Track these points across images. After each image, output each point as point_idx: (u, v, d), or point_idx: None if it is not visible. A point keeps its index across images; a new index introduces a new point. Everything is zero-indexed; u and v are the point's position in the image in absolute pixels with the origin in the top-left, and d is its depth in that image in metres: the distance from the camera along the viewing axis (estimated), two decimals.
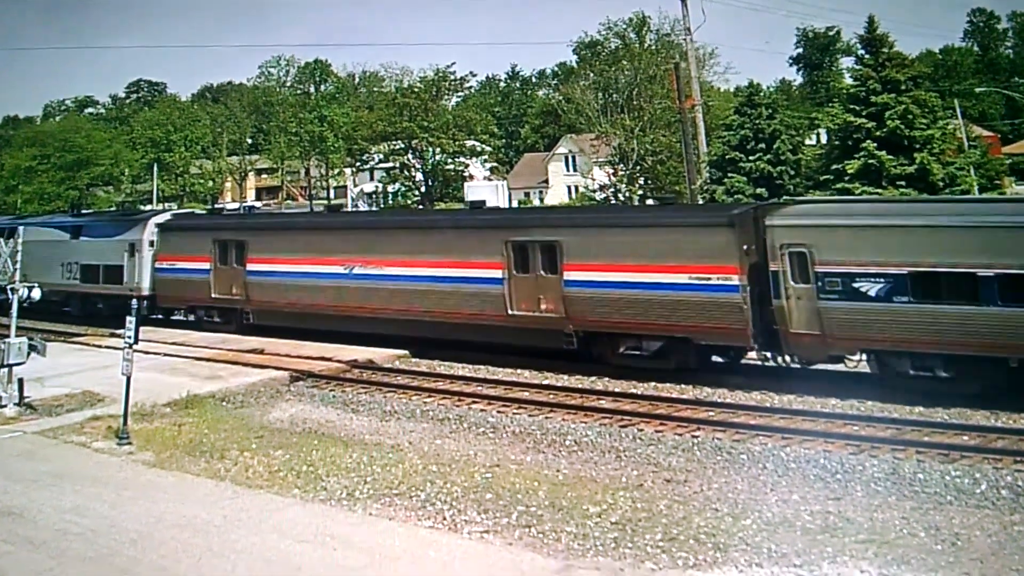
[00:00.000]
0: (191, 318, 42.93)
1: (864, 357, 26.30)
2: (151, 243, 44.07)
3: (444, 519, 17.11)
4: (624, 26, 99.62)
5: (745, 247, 27.42)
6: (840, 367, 27.25)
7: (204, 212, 57.19)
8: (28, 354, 26.84)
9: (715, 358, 30.12)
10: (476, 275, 32.64)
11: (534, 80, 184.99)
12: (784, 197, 53.11)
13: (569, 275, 30.47)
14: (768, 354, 27.78)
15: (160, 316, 44.53)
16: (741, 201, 56.68)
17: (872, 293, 25.08)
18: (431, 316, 33.61)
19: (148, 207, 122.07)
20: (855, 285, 25.33)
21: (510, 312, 31.82)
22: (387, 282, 34.88)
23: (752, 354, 28.52)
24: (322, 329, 36.29)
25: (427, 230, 36.87)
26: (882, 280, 24.91)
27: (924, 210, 28.90)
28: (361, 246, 36.43)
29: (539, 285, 31.36)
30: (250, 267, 39.51)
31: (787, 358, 27.53)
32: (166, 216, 47.62)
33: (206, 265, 40.90)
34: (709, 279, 27.68)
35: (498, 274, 32.11)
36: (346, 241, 37.48)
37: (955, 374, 24.48)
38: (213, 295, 40.51)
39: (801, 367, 27.79)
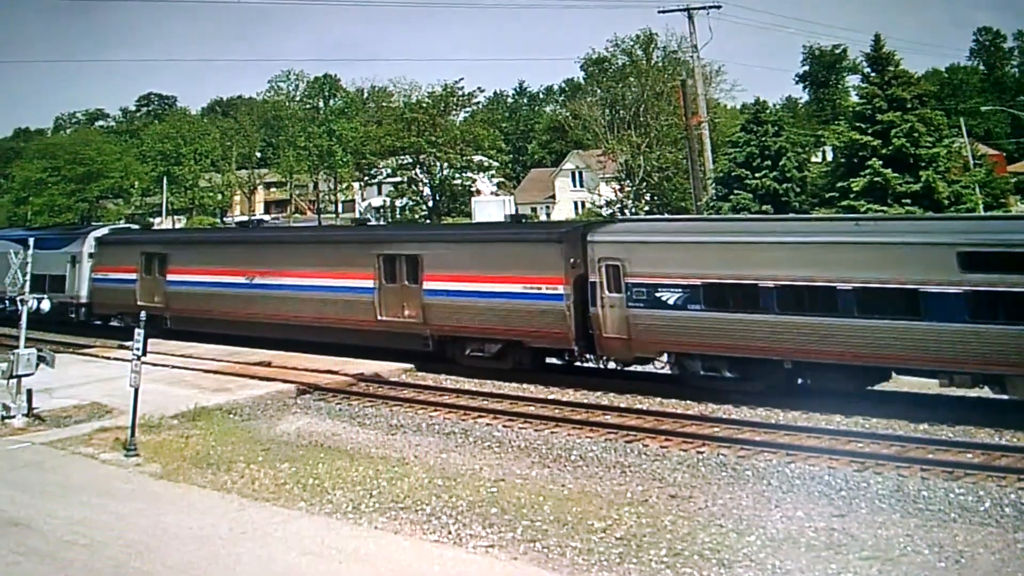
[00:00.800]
0: (121, 324, 45.01)
1: (666, 358, 29.90)
2: (90, 255, 47.88)
3: (449, 533, 17.14)
4: (631, 43, 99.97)
5: (572, 261, 30.74)
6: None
7: (136, 228, 60.19)
8: (37, 365, 26.89)
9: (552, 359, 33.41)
10: (353, 285, 36.27)
11: (541, 96, 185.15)
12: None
13: (428, 284, 34.16)
14: (589, 356, 31.34)
15: (99, 323, 47.58)
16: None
17: (671, 302, 28.54)
18: (318, 322, 37.28)
19: (158, 220, 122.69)
20: (657, 295, 28.77)
21: (379, 318, 35.42)
22: (282, 291, 38.55)
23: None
24: (231, 334, 38.78)
25: (313, 244, 41.49)
26: (679, 290, 28.38)
27: (716, 228, 33.45)
28: (261, 259, 40.27)
29: (403, 294, 35.02)
30: (170, 277, 43.35)
31: (602, 360, 31.28)
32: (104, 231, 51.03)
33: (133, 275, 44.69)
34: (540, 288, 31.31)
35: (370, 284, 35.77)
36: (249, 254, 41.17)
37: (739, 374, 27.97)
38: (139, 303, 42.29)
39: (610, 367, 31.69)
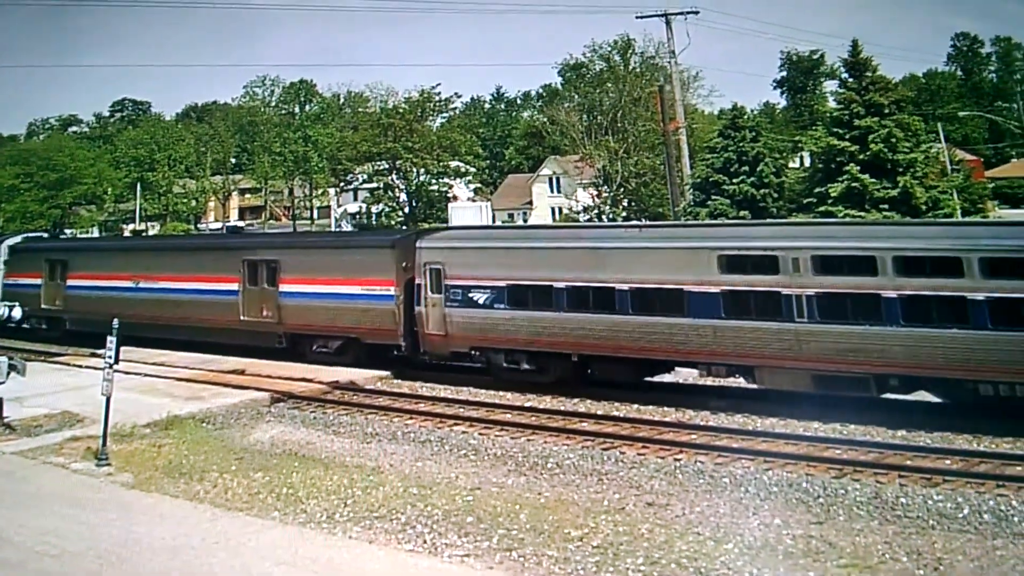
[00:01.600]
0: (27, 326, 46.41)
1: (476, 353, 32.87)
2: (5, 262, 48.77)
3: (425, 542, 16.99)
4: (609, 48, 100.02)
5: (404, 265, 34.10)
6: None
7: (45, 237, 61.98)
8: (7, 373, 26.66)
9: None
10: (221, 288, 39.83)
11: (519, 101, 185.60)
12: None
13: (283, 288, 37.68)
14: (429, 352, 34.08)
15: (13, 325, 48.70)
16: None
17: (481, 301, 31.92)
18: (192, 321, 40.71)
19: (131, 226, 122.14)
20: (470, 295, 32.10)
21: (242, 317, 38.74)
22: (160, 294, 42.21)
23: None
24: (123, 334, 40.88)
25: (188, 251, 46.20)
26: (488, 291, 31.76)
27: (521, 235, 40.49)
28: (145, 265, 44.04)
29: (263, 296, 38.40)
30: (69, 282, 45.90)
31: (425, 355, 34.15)
32: (17, 239, 52.77)
33: (39, 281, 46.61)
34: (374, 290, 34.80)
35: (235, 287, 39.27)
36: (135, 261, 45.13)
37: (536, 366, 31.08)
38: (43, 306, 45.61)
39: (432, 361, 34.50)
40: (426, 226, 47.87)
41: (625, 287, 28.87)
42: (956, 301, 23.87)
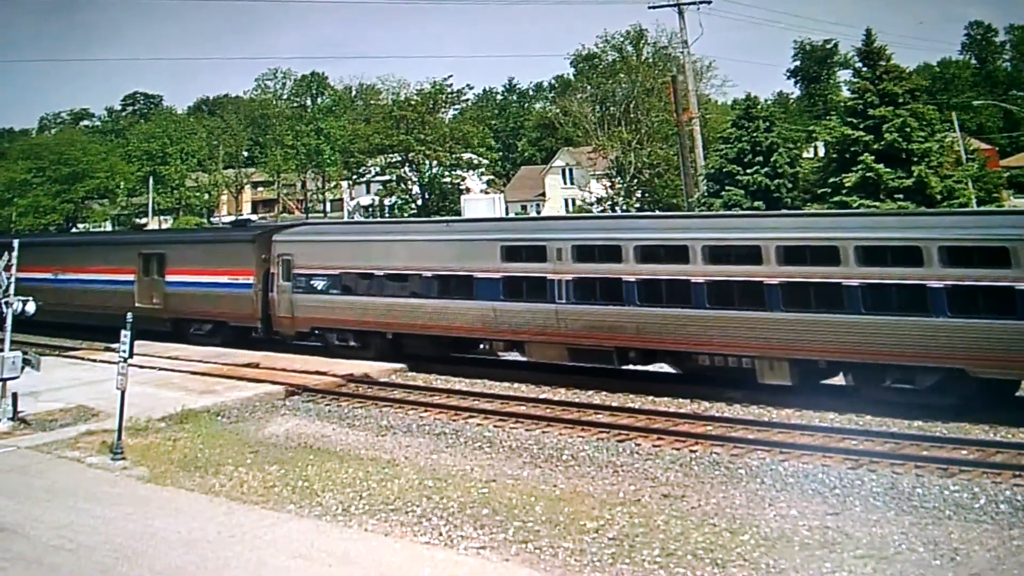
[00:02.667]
0: None
1: (317, 332, 37.88)
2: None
3: (440, 534, 17.00)
4: (621, 39, 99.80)
5: (263, 256, 39.17)
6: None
7: None
8: (22, 368, 26.73)
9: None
10: (121, 278, 44.63)
11: (531, 93, 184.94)
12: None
13: (169, 277, 42.55)
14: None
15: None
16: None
17: (319, 288, 37.12)
18: (95, 309, 44.32)
19: (143, 220, 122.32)
20: (311, 282, 37.23)
21: (136, 304, 41.54)
22: (73, 284, 46.77)
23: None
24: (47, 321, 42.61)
25: (97, 245, 51.79)
26: (325, 279, 37.05)
27: (353, 230, 48.28)
28: (64, 258, 49.09)
29: (153, 285, 43.31)
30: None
31: (276, 335, 39.18)
32: None
33: None
34: (238, 279, 39.93)
35: (131, 277, 44.29)
36: (57, 254, 49.92)
37: (360, 343, 36.16)
38: None
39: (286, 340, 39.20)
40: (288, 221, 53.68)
41: (429, 274, 34.06)
42: (681, 284, 28.44)
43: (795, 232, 28.05)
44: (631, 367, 31.39)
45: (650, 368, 31.37)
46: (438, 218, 66.23)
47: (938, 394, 24.76)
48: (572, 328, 30.53)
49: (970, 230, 25.69)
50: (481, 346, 35.28)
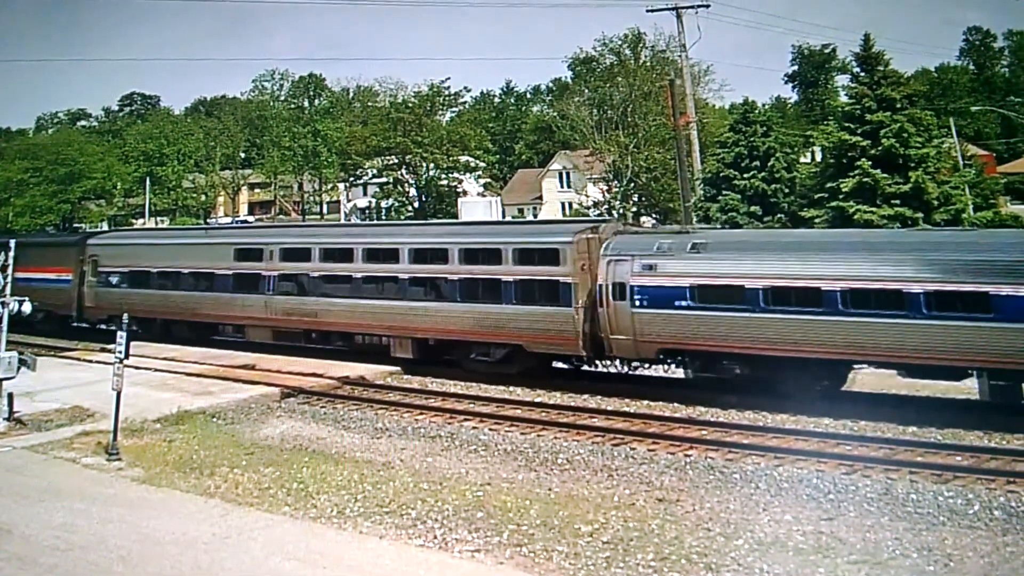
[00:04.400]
0: None
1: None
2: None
3: (435, 537, 17.02)
4: (619, 42, 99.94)
5: (81, 258, 47.06)
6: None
7: None
8: (18, 369, 26.78)
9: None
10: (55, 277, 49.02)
11: (529, 96, 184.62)
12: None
13: (19, 275, 39.93)
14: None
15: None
16: (733, 218, 59.62)
17: (114, 282, 45.13)
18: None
19: (140, 221, 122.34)
20: (110, 278, 45.18)
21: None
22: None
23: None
24: None
25: (34, 246, 52.30)
26: (118, 275, 45.11)
27: (140, 235, 58.33)
28: None
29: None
30: None
31: (84, 321, 47.41)
32: None
33: None
34: (62, 276, 47.62)
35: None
36: None
37: (142, 329, 39.31)
38: None
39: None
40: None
41: (186, 271, 42.73)
42: (344, 279, 36.79)
43: (422, 239, 36.76)
44: (632, 372, 31.94)
45: (645, 372, 31.51)
46: (200, 225, 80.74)
47: (506, 364, 32.80)
48: (276, 314, 38.76)
49: (534, 237, 34.10)
50: (220, 328, 42.29)
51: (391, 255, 35.86)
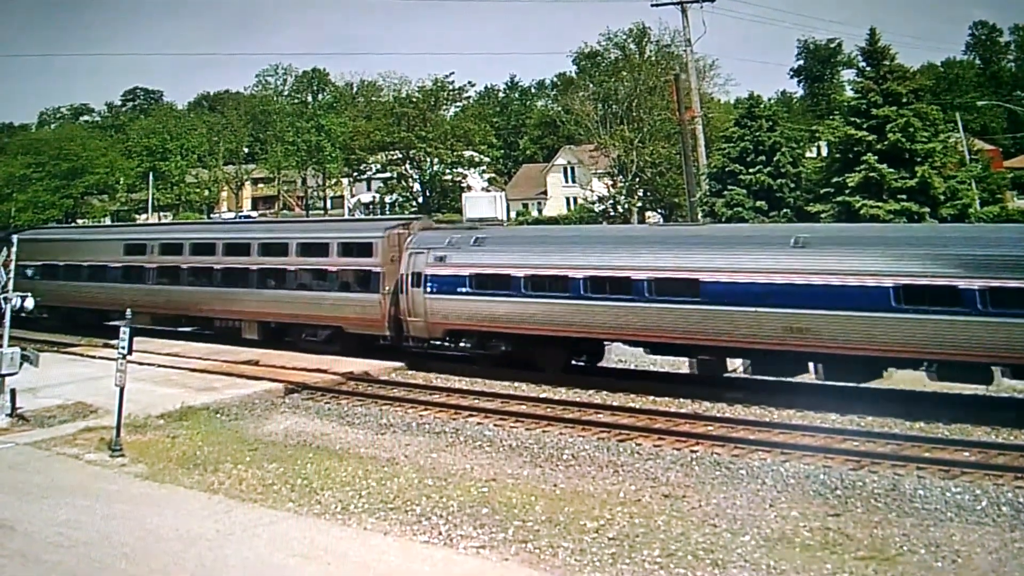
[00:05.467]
0: None
1: None
2: None
3: (439, 534, 17.01)
4: (624, 37, 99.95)
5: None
6: None
7: None
8: (21, 364, 26.83)
9: None
10: None
11: (533, 90, 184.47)
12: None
13: None
14: None
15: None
16: (739, 213, 59.53)
17: (29, 275, 43.02)
18: None
19: (143, 216, 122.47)
20: (26, 271, 40.79)
21: None
22: None
23: None
24: None
25: None
26: (33, 269, 45.56)
27: (56, 234, 60.45)
28: None
29: None
30: None
31: None
32: None
33: None
34: None
35: None
36: None
37: (48, 316, 45.28)
38: None
39: None
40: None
41: (87, 264, 47.16)
42: (205, 271, 42.34)
43: (269, 235, 42.46)
44: (630, 368, 32.85)
45: (650, 368, 31.59)
46: (107, 224, 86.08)
47: (328, 343, 37.38)
48: (156, 302, 43.46)
49: (354, 232, 40.08)
50: (111, 315, 43.20)
51: (244, 249, 41.55)
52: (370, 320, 36.04)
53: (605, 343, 32.89)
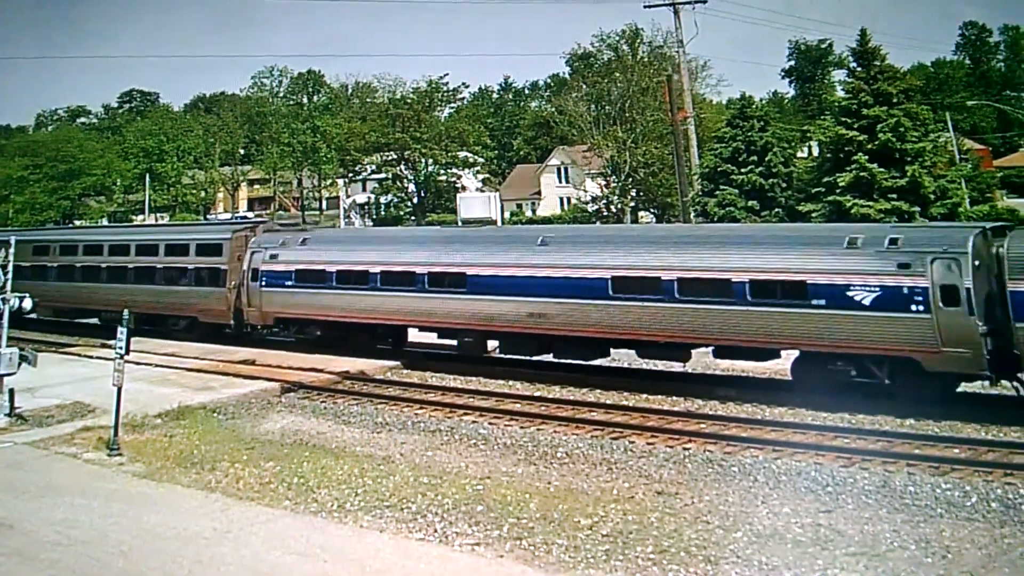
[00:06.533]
0: None
1: None
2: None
3: (435, 531, 17.13)
4: (617, 38, 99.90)
5: None
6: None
7: None
8: (19, 364, 26.90)
9: None
10: None
11: (527, 91, 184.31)
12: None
13: None
14: None
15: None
16: (731, 213, 59.57)
17: None
18: None
19: (140, 217, 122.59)
20: None
21: None
22: None
23: None
24: None
25: None
26: None
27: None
28: None
29: None
30: None
31: None
32: None
33: None
34: None
35: None
36: None
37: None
38: None
39: None
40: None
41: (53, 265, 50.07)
42: (93, 270, 47.50)
43: (143, 236, 49.21)
44: (627, 366, 32.62)
45: (643, 366, 31.78)
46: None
47: (188, 332, 42.56)
48: (57, 297, 47.68)
49: (208, 234, 45.53)
50: None
51: (124, 250, 47.05)
52: (217, 311, 41.51)
53: (403, 329, 37.44)
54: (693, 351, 29.65)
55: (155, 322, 43.39)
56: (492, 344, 34.43)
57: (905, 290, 24.52)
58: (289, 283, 38.04)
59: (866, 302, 24.88)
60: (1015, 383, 24.70)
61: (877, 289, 24.82)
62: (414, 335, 37.95)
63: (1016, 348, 23.24)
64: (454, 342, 34.93)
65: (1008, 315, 23.36)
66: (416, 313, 34.54)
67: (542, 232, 35.82)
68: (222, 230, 45.23)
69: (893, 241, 25.43)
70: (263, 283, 38.81)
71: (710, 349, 29.19)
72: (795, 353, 26.99)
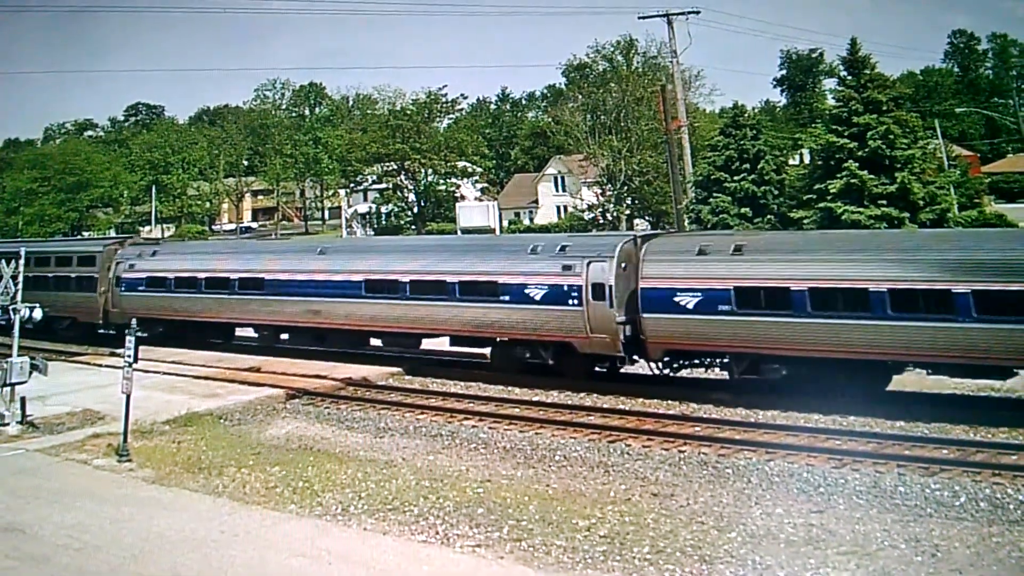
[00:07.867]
0: None
1: None
2: None
3: (437, 533, 17.37)
4: (612, 49, 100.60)
5: None
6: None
7: None
8: (30, 373, 27.11)
9: None
10: None
11: (524, 102, 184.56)
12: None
13: None
14: None
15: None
16: (724, 220, 60.37)
17: None
18: None
19: (147, 228, 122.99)
20: None
21: None
22: None
23: None
24: None
25: None
26: None
27: None
28: None
29: None
30: None
31: None
32: None
33: None
34: None
35: None
36: None
37: None
38: None
39: None
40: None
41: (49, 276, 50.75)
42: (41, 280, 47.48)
43: (60, 248, 53.94)
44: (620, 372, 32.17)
45: (638, 371, 31.98)
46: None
47: (71, 329, 48.23)
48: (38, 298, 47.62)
49: (86, 247, 52.15)
50: None
51: (46, 262, 50.23)
52: (92, 312, 47.18)
53: (230, 327, 43.22)
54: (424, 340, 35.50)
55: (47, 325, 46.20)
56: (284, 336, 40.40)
57: (566, 287, 30.29)
58: (141, 288, 44.39)
59: (538, 298, 30.70)
60: (642, 360, 30.32)
61: (546, 287, 30.56)
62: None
63: (642, 334, 28.91)
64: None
65: (638, 307, 28.81)
66: (233, 313, 40.95)
67: (321, 244, 46.35)
68: (98, 244, 51.41)
69: (563, 248, 31.40)
70: (123, 288, 45.15)
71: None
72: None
